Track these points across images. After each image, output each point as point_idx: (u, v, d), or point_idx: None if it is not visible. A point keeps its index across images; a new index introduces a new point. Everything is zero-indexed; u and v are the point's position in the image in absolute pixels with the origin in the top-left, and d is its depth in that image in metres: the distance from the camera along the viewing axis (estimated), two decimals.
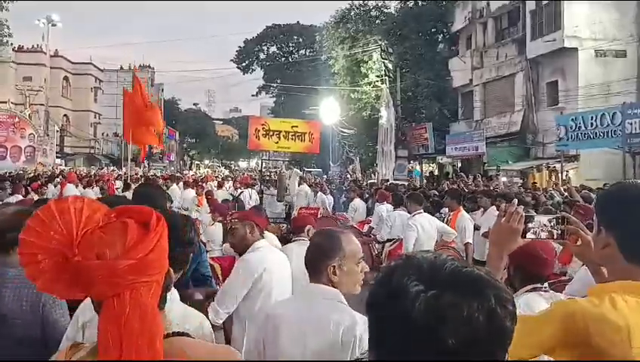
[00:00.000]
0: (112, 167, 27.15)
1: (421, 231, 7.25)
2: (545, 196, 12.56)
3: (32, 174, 23.58)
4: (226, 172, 52.26)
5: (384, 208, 10.66)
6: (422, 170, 33.16)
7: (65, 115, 49.55)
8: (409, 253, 1.06)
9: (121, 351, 1.19)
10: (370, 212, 13.12)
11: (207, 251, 5.71)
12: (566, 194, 11.90)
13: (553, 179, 21.55)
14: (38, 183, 16.03)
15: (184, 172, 44.06)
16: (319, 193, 15.80)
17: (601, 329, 1.60)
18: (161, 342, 1.24)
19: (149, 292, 1.25)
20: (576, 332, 1.64)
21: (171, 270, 1.40)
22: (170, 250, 2.22)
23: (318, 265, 2.39)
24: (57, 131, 44.08)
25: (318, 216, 11.15)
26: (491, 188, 13.98)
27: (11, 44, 39.30)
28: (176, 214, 2.77)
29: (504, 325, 0.92)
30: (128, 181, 15.70)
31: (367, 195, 15.55)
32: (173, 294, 2.23)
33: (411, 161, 32.57)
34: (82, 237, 1.26)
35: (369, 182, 24.73)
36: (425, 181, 27.62)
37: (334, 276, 2.31)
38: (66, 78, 50.13)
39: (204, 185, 16.29)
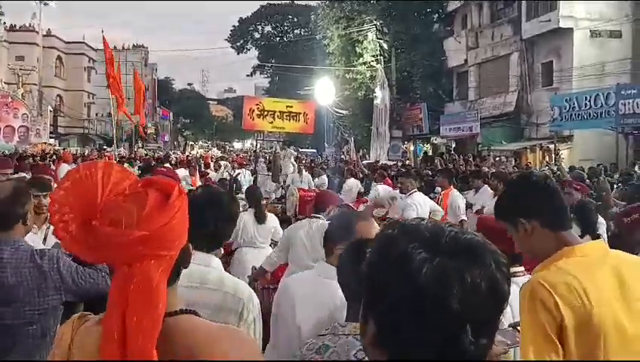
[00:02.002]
0: (107, 148, 27.18)
1: (420, 209, 7.29)
2: None
3: (26, 153, 23.45)
4: (219, 153, 51.99)
5: (382, 188, 10.67)
6: (416, 151, 33.11)
7: (58, 95, 49.16)
8: (403, 221, 1.08)
9: (123, 322, 1.19)
10: (365, 192, 13.09)
11: None
12: (558, 173, 12.01)
13: (547, 160, 21.64)
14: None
15: (173, 152, 43.67)
16: (304, 173, 15.55)
17: (560, 292, 1.72)
18: (159, 322, 1.22)
19: (159, 267, 1.23)
20: (550, 306, 1.71)
21: (190, 246, 1.37)
22: (214, 224, 2.30)
23: (327, 245, 2.51)
24: (51, 111, 43.72)
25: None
26: (484, 168, 14.03)
27: (4, 22, 38.85)
28: (221, 191, 2.84)
29: (503, 289, 0.98)
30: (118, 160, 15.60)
31: (361, 175, 15.49)
32: (215, 261, 2.34)
33: (405, 142, 32.56)
34: (104, 203, 1.26)
35: (365, 163, 24.71)
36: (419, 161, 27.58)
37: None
38: (59, 58, 49.64)
39: (196, 166, 16.24)
